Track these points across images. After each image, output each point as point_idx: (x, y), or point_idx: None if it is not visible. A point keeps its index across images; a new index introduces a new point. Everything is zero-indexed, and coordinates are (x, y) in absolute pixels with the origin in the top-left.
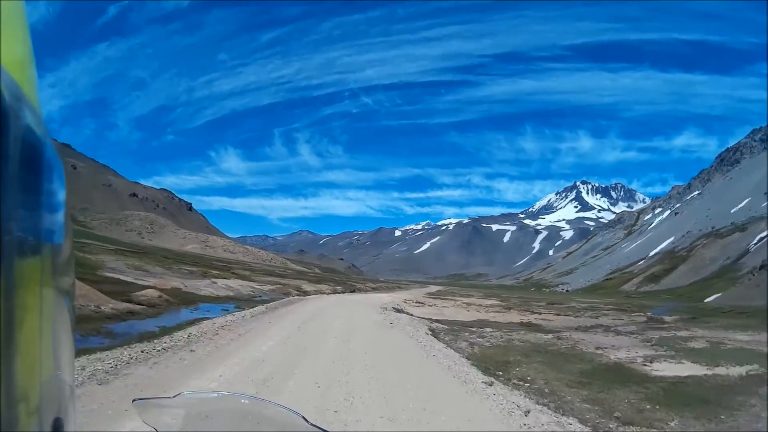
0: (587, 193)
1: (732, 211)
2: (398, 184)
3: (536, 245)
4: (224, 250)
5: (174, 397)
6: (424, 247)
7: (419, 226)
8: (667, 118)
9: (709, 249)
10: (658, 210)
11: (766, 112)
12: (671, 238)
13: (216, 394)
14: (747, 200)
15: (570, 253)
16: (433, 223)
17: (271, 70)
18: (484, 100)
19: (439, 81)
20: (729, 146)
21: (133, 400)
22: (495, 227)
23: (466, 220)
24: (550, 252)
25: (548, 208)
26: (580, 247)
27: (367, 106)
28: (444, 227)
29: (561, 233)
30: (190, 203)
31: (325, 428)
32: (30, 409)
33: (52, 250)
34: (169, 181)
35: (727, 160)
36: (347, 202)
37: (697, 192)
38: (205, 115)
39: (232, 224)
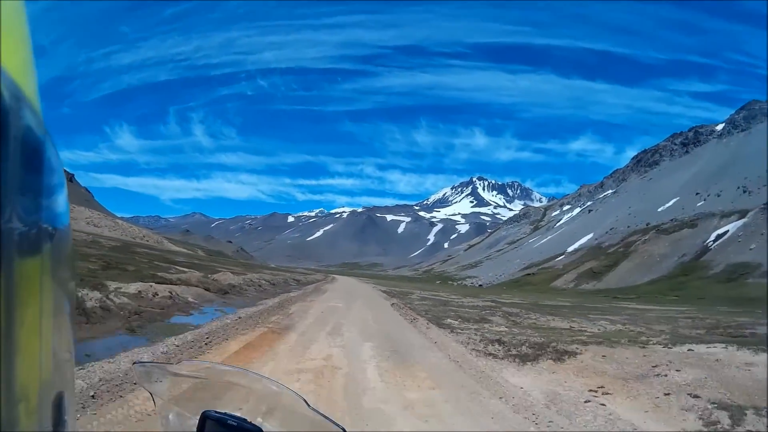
0: (483, 190)
1: (659, 209)
2: (290, 170)
3: (431, 237)
4: (87, 223)
5: (177, 363)
6: (317, 234)
7: (312, 213)
8: (564, 122)
9: (655, 245)
10: (567, 207)
11: (665, 124)
12: (590, 235)
13: (220, 366)
14: (675, 199)
15: (472, 245)
16: (326, 211)
17: (171, 45)
18: (381, 90)
19: (337, 69)
20: (646, 148)
21: (134, 363)
22: (389, 217)
23: (360, 209)
24: (446, 245)
25: (443, 202)
26: (483, 240)
27: (263, 89)
28: (338, 215)
29: (456, 227)
30: (72, 174)
31: (325, 414)
32: (30, 409)
33: (52, 250)
34: (63, 156)
35: (645, 161)
36: (239, 185)
37: (611, 191)
38: (102, 88)
39: (124, 203)
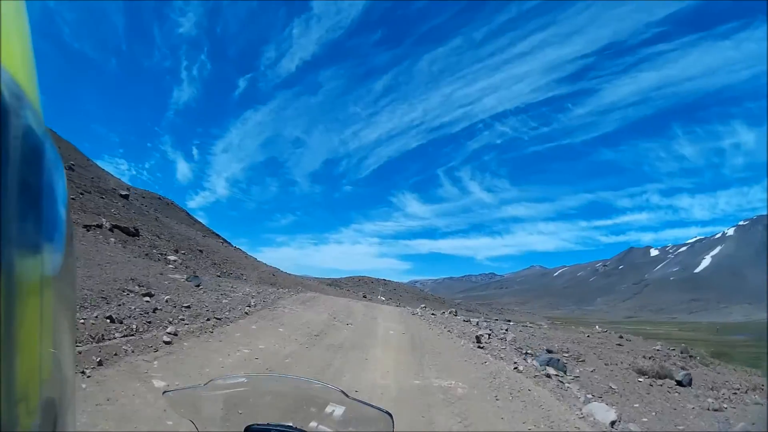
0: None
1: None
2: (579, 213)
3: None
4: None
5: (205, 384)
6: (705, 262)
7: (692, 240)
8: None
9: None
10: None
11: None
12: None
13: (249, 378)
14: None
15: None
16: (704, 237)
17: (401, 114)
18: (613, 106)
19: (558, 96)
20: None
21: (163, 392)
22: None
23: (744, 222)
24: None
25: None
26: None
27: (507, 134)
28: (719, 235)
29: None
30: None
31: (367, 402)
32: (30, 409)
33: (53, 250)
34: (368, 228)
35: None
36: (540, 236)
37: None
38: (367, 165)
39: (439, 267)
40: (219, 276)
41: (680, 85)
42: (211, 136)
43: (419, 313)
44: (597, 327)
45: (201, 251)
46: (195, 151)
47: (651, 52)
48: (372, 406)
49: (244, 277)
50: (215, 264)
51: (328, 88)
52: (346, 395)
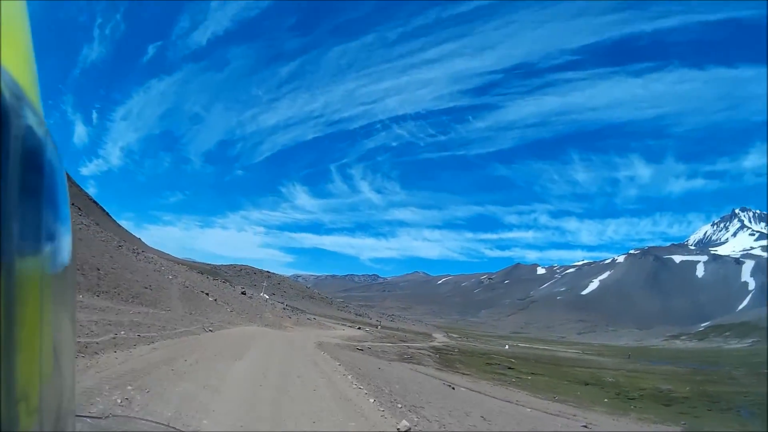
0: (750, 221)
1: None
2: (466, 224)
3: (750, 280)
4: None
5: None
6: (593, 285)
7: (581, 263)
8: (725, 131)
9: None
10: None
11: None
12: None
13: (108, 417)
14: None
15: None
16: (592, 261)
17: (303, 104)
18: (513, 125)
19: (460, 106)
20: None
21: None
22: (678, 258)
23: (635, 251)
24: None
25: (709, 242)
26: None
27: (403, 138)
28: (609, 261)
29: None
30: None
31: None
32: (30, 409)
33: (53, 250)
34: (255, 216)
35: None
36: (426, 242)
37: None
38: (263, 150)
39: (322, 263)
40: None
41: (582, 113)
42: (113, 101)
43: None
44: (506, 346)
45: None
46: (95, 115)
47: (559, 78)
48: None
49: None
50: None
51: (234, 66)
52: None
